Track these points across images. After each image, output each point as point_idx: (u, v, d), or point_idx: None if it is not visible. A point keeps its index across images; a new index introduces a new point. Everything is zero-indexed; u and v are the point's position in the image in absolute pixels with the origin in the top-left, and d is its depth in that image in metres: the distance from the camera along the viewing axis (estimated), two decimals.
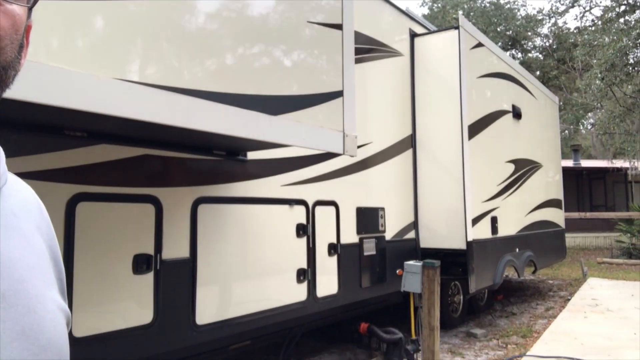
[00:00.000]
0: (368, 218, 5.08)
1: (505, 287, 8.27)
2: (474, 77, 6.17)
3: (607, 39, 15.10)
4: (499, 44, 23.39)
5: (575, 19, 31.47)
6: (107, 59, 1.85)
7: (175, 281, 3.13)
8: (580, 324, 6.12)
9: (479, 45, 6.35)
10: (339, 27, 3.06)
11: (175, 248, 3.14)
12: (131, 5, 1.94)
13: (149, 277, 2.97)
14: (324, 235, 4.46)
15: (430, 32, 6.29)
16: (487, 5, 25.08)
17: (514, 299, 8.29)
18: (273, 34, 2.64)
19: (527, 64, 24.12)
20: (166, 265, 3.06)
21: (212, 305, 3.38)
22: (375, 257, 5.11)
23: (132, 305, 2.91)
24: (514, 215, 7.10)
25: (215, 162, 3.46)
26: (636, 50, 14.37)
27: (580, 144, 23.80)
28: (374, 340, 5.20)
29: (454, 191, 5.71)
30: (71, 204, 2.64)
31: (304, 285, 4.16)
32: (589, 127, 26.61)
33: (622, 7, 15.12)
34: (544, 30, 25.44)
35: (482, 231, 5.97)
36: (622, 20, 15.18)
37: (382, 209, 5.31)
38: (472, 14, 24.16)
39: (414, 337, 3.98)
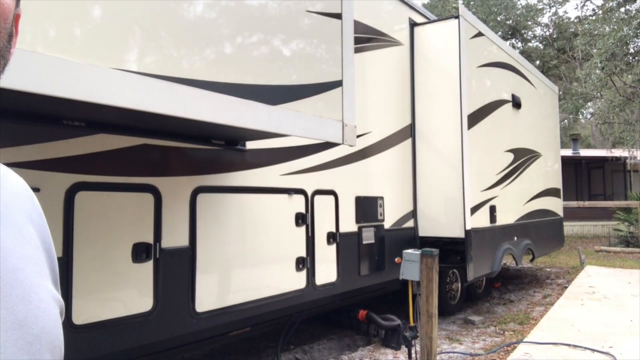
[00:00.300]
0: (367, 207, 5.10)
1: (503, 274, 8.33)
2: (474, 67, 6.15)
3: (607, 28, 15.02)
4: (499, 33, 23.27)
5: (575, 8, 31.29)
6: (105, 49, 1.85)
7: (175, 269, 3.15)
8: (578, 311, 6.17)
9: (479, 34, 6.32)
10: (338, 16, 3.05)
11: (174, 237, 3.16)
12: None
13: (149, 265, 2.99)
14: (323, 224, 4.48)
15: (430, 22, 6.27)
16: None
17: (512, 286, 8.35)
18: (272, 23, 2.63)
19: (527, 54, 24.01)
20: (165, 253, 3.08)
21: (211, 293, 3.41)
22: (374, 245, 5.14)
23: (132, 293, 2.93)
24: (513, 204, 7.13)
25: (214, 151, 3.47)
26: (636, 40, 14.30)
27: (579, 134, 23.78)
28: (372, 327, 5.26)
29: (452, 180, 5.73)
30: (70, 194, 2.65)
31: (303, 273, 4.19)
32: (589, 116, 26.57)
33: None
34: (544, 19, 25.34)
35: (480, 220, 6.00)
36: (622, 9, 15.09)
37: (381, 198, 5.33)
38: (472, 3, 23.99)
39: (412, 323, 4.02)
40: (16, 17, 0.58)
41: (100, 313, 2.76)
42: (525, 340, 5.04)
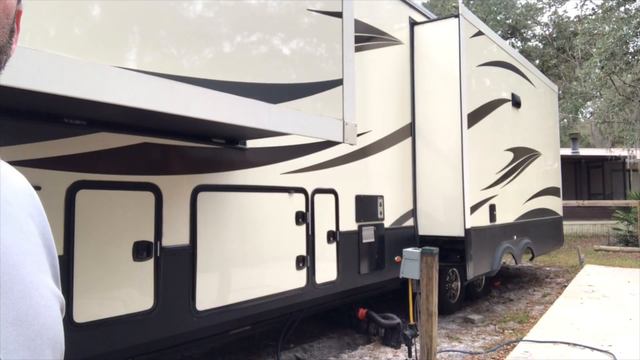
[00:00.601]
0: (367, 206, 5.10)
1: (502, 273, 8.34)
2: (474, 66, 6.15)
3: (607, 27, 15.02)
4: (499, 32, 23.26)
5: (575, 8, 31.31)
6: (105, 47, 1.85)
7: (176, 268, 3.16)
8: (577, 309, 6.18)
9: (479, 33, 6.32)
10: (338, 15, 3.05)
11: (175, 235, 3.16)
12: None
13: (149, 263, 3.00)
14: (323, 222, 4.49)
15: (430, 21, 6.27)
16: None
17: (511, 285, 8.36)
18: (272, 22, 2.63)
19: (526, 53, 24.01)
20: (166, 252, 3.08)
21: (212, 292, 3.41)
22: (374, 244, 5.15)
23: (133, 292, 2.94)
24: (512, 203, 7.13)
25: (215, 150, 3.47)
26: (636, 39, 14.31)
27: (579, 133, 23.79)
28: (372, 326, 5.27)
29: (452, 179, 5.73)
30: (71, 192, 2.65)
31: (303, 271, 4.20)
32: (588, 115, 26.58)
33: None
34: (544, 18, 25.32)
35: (480, 219, 6.00)
36: (622, 8, 15.09)
37: (381, 196, 5.34)
38: (472, 2, 23.99)
39: (412, 322, 4.03)
40: (17, 14, 0.58)
41: (101, 311, 2.76)
42: (524, 338, 5.05)
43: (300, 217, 4.21)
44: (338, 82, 3.03)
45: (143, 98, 1.94)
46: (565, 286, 7.93)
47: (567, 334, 5.10)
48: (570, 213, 15.07)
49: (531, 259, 8.43)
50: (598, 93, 18.03)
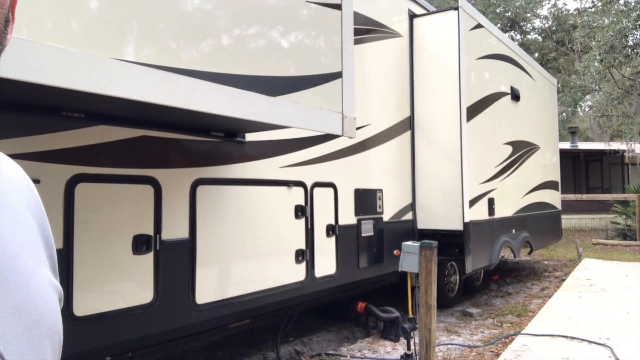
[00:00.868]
0: (366, 199, 5.10)
1: (501, 267, 8.36)
2: (473, 59, 6.14)
3: (606, 20, 14.99)
4: (498, 25, 23.19)
5: (575, 0, 31.24)
6: (103, 39, 1.83)
7: (175, 261, 3.16)
8: (575, 303, 6.21)
9: (478, 26, 6.30)
10: (338, 7, 3.03)
11: (174, 229, 3.16)
12: None
13: (149, 257, 3.00)
14: (322, 216, 4.49)
15: (429, 13, 6.24)
16: None
17: (510, 279, 8.39)
18: (271, 14, 2.61)
19: (526, 46, 23.96)
20: (166, 245, 3.08)
21: (211, 285, 3.42)
22: (373, 238, 5.15)
23: (132, 285, 2.94)
24: (511, 197, 7.14)
25: (214, 143, 3.47)
26: (636, 32, 14.28)
27: (577, 126, 23.78)
28: (371, 319, 5.29)
29: (451, 173, 5.73)
30: (70, 185, 2.65)
31: (303, 265, 4.20)
32: (587, 109, 26.57)
33: None
34: (544, 11, 25.26)
35: (479, 212, 6.01)
36: (622, 1, 15.05)
37: (380, 190, 5.34)
38: None
39: (411, 315, 4.04)
40: (13, 3, 0.58)
41: (101, 305, 2.76)
42: (523, 332, 5.07)
43: (300, 211, 4.20)
44: (337, 75, 3.01)
45: (142, 90, 1.92)
46: (564, 280, 7.96)
47: (565, 327, 5.12)
48: (569, 207, 15.10)
49: (530, 253, 8.45)
50: (597, 86, 18.02)
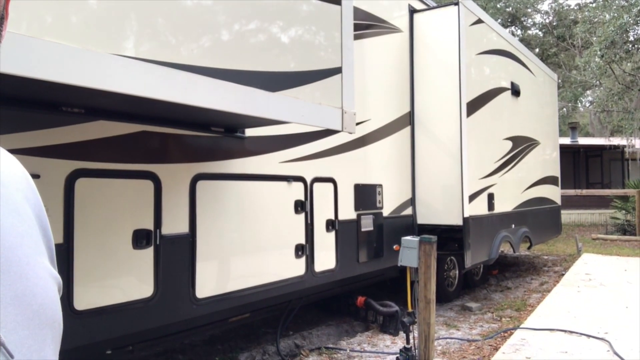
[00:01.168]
0: (366, 195, 5.11)
1: (500, 262, 8.38)
2: (473, 54, 6.13)
3: (607, 15, 14.94)
4: (499, 20, 23.11)
5: None
6: (103, 34, 1.84)
7: (175, 256, 3.17)
8: (574, 298, 6.23)
9: (479, 21, 6.29)
10: (337, 2, 3.03)
11: (174, 224, 3.17)
12: None
13: (149, 251, 3.01)
14: (322, 211, 4.50)
15: (429, 8, 6.22)
16: None
17: (509, 273, 8.41)
18: (271, 9, 2.62)
19: (526, 41, 23.89)
20: (166, 240, 3.09)
21: (211, 279, 3.43)
22: (373, 233, 5.17)
23: (133, 280, 2.95)
24: (511, 192, 7.15)
25: (214, 138, 3.47)
26: (636, 27, 14.23)
27: (578, 122, 23.77)
28: (370, 313, 5.31)
29: (451, 168, 5.74)
30: (70, 180, 2.66)
31: (302, 260, 4.22)
32: (588, 104, 26.53)
33: None
34: (544, 6, 25.17)
35: (478, 207, 6.02)
36: None
37: (380, 185, 5.34)
38: None
39: (410, 310, 4.06)
40: (7, 0, 0.58)
41: (102, 299, 2.78)
42: (521, 326, 5.09)
43: (299, 206, 4.22)
44: (337, 71, 3.02)
45: (141, 86, 1.93)
46: (563, 275, 7.99)
47: (564, 321, 5.15)
48: (569, 202, 15.11)
49: (529, 248, 8.47)
50: (598, 82, 17.98)
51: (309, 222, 4.31)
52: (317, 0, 2.91)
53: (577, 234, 12.34)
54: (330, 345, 4.69)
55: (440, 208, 5.82)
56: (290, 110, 2.68)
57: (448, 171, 5.76)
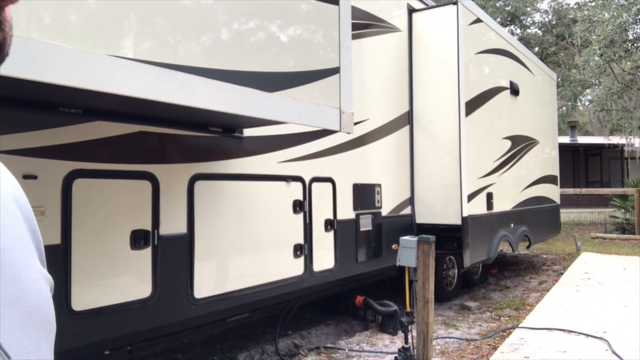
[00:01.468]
0: (364, 194, 5.11)
1: (499, 261, 8.39)
2: (472, 53, 6.13)
3: (606, 14, 14.93)
4: (498, 19, 23.11)
5: None
6: (100, 35, 1.84)
7: (173, 256, 3.17)
8: (573, 297, 6.23)
9: (477, 21, 6.29)
10: (335, 1, 3.03)
11: (172, 224, 3.17)
12: None
13: (147, 252, 3.01)
14: (321, 211, 4.50)
15: (428, 8, 6.22)
16: None
17: (508, 272, 8.42)
18: (268, 9, 2.61)
19: (525, 40, 23.89)
20: (164, 240, 3.09)
21: (210, 280, 3.43)
22: (372, 232, 5.17)
23: (131, 280, 2.95)
24: (510, 191, 7.15)
25: (212, 139, 3.47)
26: (636, 26, 14.23)
27: (577, 121, 23.75)
28: (369, 313, 5.31)
29: (450, 168, 5.74)
30: (68, 181, 2.65)
31: (301, 260, 4.22)
32: (587, 103, 26.53)
33: None
34: (544, 5, 25.16)
35: (477, 207, 6.02)
36: None
37: (379, 185, 5.35)
38: None
39: (408, 309, 4.06)
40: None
41: (100, 299, 2.78)
42: (520, 325, 5.10)
43: (298, 206, 4.22)
44: (335, 70, 3.01)
45: (138, 87, 1.93)
46: (562, 274, 7.99)
47: (563, 320, 5.15)
48: (568, 201, 15.12)
49: (528, 247, 8.48)
50: (597, 81, 17.99)
51: (307, 222, 4.31)
52: (315, 0, 2.91)
53: (576, 233, 12.35)
54: (329, 345, 4.69)
55: (439, 207, 5.82)
56: (287, 110, 2.68)
57: (447, 170, 5.76)
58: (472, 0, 6.22)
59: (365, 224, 5.09)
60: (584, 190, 15.76)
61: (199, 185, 3.35)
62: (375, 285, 6.02)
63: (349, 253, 4.84)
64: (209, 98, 2.23)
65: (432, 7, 6.24)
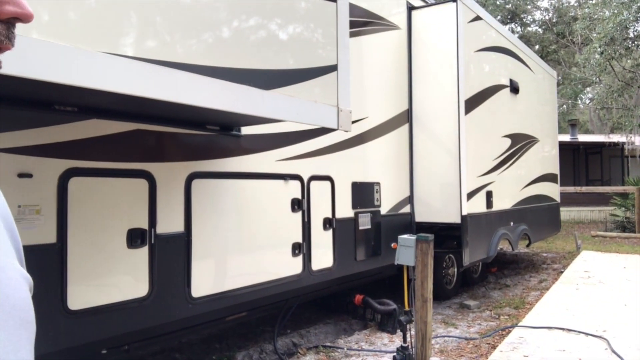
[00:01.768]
0: (363, 193, 5.10)
1: (499, 259, 8.38)
2: (472, 51, 6.10)
3: (607, 12, 14.90)
4: (498, 17, 23.07)
5: None
6: (97, 33, 1.82)
7: (170, 255, 3.16)
8: (572, 295, 6.22)
9: (477, 18, 6.26)
10: None
11: (169, 223, 3.16)
12: None
13: (144, 251, 3.00)
14: (319, 209, 4.48)
15: (427, 5, 6.20)
16: None
17: (508, 271, 8.40)
18: (267, 7, 2.59)
19: (526, 38, 23.86)
20: (161, 239, 3.08)
21: (207, 279, 3.42)
22: (370, 231, 5.15)
23: (128, 279, 2.94)
24: (510, 190, 7.13)
25: (209, 137, 3.45)
26: (636, 24, 14.20)
27: (577, 119, 23.73)
28: (368, 311, 5.30)
29: (449, 166, 5.72)
30: (63, 179, 2.64)
31: (299, 258, 4.21)
32: (587, 101, 26.50)
33: None
34: (544, 3, 25.11)
35: (477, 205, 6.01)
36: None
37: (378, 183, 5.33)
38: None
39: (407, 308, 4.05)
40: None
41: (96, 299, 2.77)
42: (520, 324, 5.09)
43: (296, 204, 4.20)
44: (333, 68, 3.00)
45: (135, 85, 1.91)
46: (562, 272, 7.98)
47: (563, 319, 5.14)
48: (568, 199, 15.11)
49: (528, 245, 8.46)
50: (597, 79, 17.96)
51: (306, 220, 4.29)
52: None
53: (577, 231, 12.33)
54: (328, 344, 4.68)
55: (439, 206, 5.81)
56: (285, 108, 2.67)
57: (446, 169, 5.74)
58: None
59: (364, 223, 5.07)
60: (584, 189, 15.74)
61: (196, 183, 3.33)
62: (374, 284, 6.01)
63: (347, 252, 4.83)
64: (207, 96, 2.22)
65: (432, 4, 6.22)
